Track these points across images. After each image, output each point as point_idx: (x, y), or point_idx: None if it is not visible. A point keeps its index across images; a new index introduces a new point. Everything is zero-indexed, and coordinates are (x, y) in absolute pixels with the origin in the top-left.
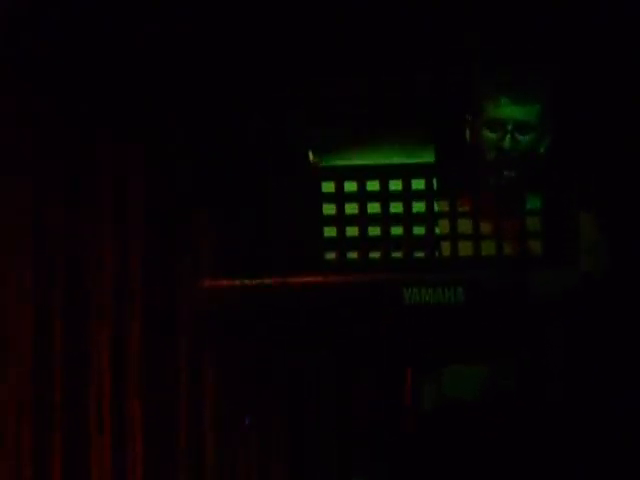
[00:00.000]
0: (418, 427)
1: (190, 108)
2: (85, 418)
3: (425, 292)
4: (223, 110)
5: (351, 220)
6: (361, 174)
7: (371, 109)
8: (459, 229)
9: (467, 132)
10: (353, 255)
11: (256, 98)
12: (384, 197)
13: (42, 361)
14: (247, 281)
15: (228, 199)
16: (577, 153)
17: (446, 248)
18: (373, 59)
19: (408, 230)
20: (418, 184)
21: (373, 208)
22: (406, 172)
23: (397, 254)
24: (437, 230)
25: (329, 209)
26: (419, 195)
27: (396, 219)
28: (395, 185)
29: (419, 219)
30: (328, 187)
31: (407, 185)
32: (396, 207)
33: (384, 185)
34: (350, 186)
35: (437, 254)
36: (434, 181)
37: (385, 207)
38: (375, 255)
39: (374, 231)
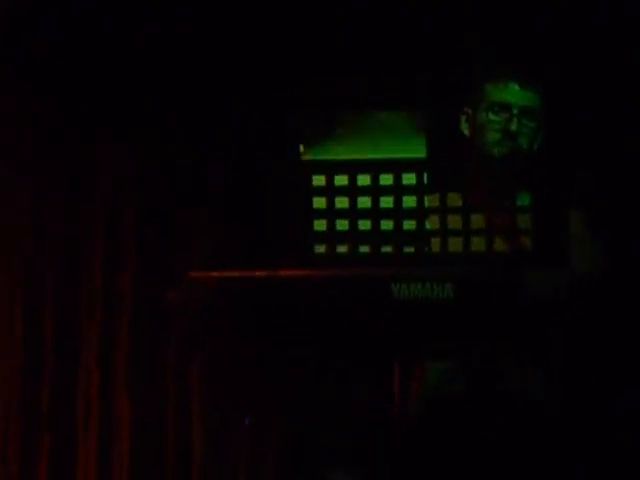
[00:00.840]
0: (406, 424)
1: (185, 102)
2: (72, 417)
3: (414, 287)
4: (217, 105)
5: (341, 214)
6: (352, 168)
7: (362, 102)
8: (449, 225)
9: (463, 123)
10: (343, 249)
11: (248, 92)
12: (375, 191)
13: (31, 359)
14: (235, 273)
15: (219, 193)
16: (569, 150)
17: (436, 243)
18: (366, 52)
19: (398, 225)
20: (409, 179)
21: (364, 202)
22: (397, 166)
23: (387, 249)
24: (427, 225)
25: (319, 203)
26: (410, 190)
27: (386, 214)
28: (386, 179)
29: (409, 214)
30: (319, 181)
31: (398, 180)
32: (387, 202)
33: (375, 179)
34: (341, 180)
35: (427, 249)
36: (425, 176)
37: (375, 201)
38: (365, 249)
39: (364, 225)
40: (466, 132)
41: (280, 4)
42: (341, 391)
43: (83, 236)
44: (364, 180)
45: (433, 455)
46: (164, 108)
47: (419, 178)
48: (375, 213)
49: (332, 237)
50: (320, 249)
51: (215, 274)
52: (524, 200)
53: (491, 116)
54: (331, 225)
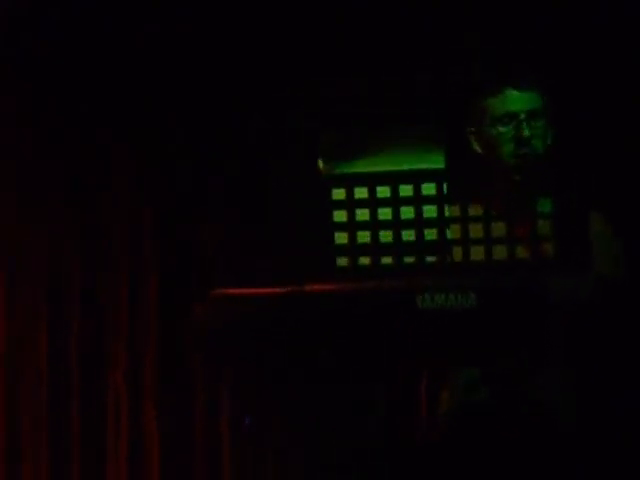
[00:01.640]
0: (434, 434)
1: (201, 119)
2: (102, 433)
3: (438, 297)
4: (234, 120)
5: (362, 226)
6: (371, 180)
7: (379, 115)
8: (471, 234)
9: (473, 141)
10: (365, 261)
11: (267, 107)
12: (395, 203)
13: (57, 376)
14: (258, 290)
15: (240, 209)
16: (586, 154)
17: (458, 253)
18: (379, 64)
19: (420, 235)
20: (429, 189)
21: (384, 214)
22: (416, 177)
23: (409, 259)
24: (449, 235)
25: (340, 216)
26: (430, 200)
27: (407, 224)
28: (405, 191)
29: (430, 224)
30: (339, 194)
31: (417, 190)
32: (407, 212)
33: (394, 191)
34: (360, 193)
35: (449, 259)
36: (444, 186)
37: (396, 213)
38: (387, 261)
39: (386, 237)
40: (478, 150)
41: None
42: (367, 404)
43: (107, 252)
44: (384, 192)
45: (461, 464)
46: (181, 118)
47: (439, 188)
48: (396, 224)
49: (353, 250)
50: (342, 262)
51: (238, 291)
52: (544, 207)
53: (500, 129)
54: (352, 238)
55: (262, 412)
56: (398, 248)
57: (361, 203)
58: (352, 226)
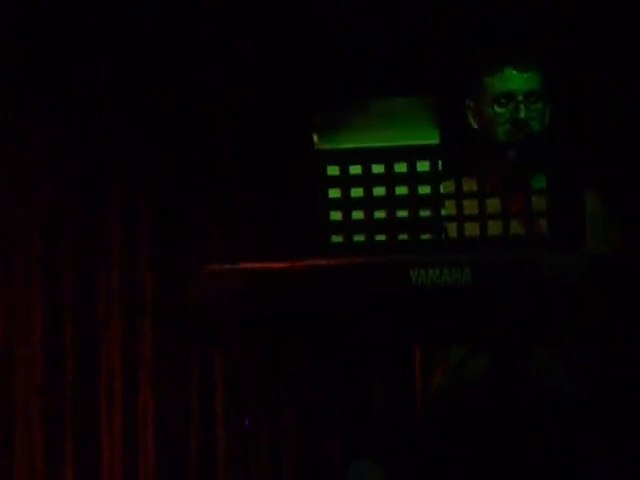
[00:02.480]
0: (428, 411)
1: (196, 93)
2: (96, 414)
3: (432, 273)
4: (229, 95)
5: (357, 203)
6: (366, 157)
7: (375, 92)
8: (465, 210)
9: (469, 116)
10: (359, 238)
11: (260, 82)
12: (389, 180)
13: (52, 359)
14: (253, 265)
15: (234, 186)
16: (582, 130)
17: (452, 229)
18: (378, 41)
19: (414, 212)
20: (423, 166)
21: (379, 191)
22: (411, 154)
23: (404, 236)
24: (443, 211)
25: (334, 193)
26: (424, 177)
27: (402, 201)
28: (400, 167)
29: (425, 201)
30: (333, 170)
31: (412, 167)
32: (401, 189)
33: (389, 168)
34: (355, 169)
35: (443, 235)
36: (439, 162)
37: (390, 190)
38: (381, 238)
39: (380, 214)
40: (474, 125)
41: None
42: (361, 381)
43: (99, 233)
44: (378, 169)
45: (456, 442)
46: (176, 101)
47: (433, 165)
48: (390, 201)
49: (348, 227)
50: (337, 239)
51: (232, 267)
52: (539, 183)
53: (497, 109)
54: (347, 214)
55: (258, 390)
56: (392, 225)
57: (355, 180)
58: (347, 203)
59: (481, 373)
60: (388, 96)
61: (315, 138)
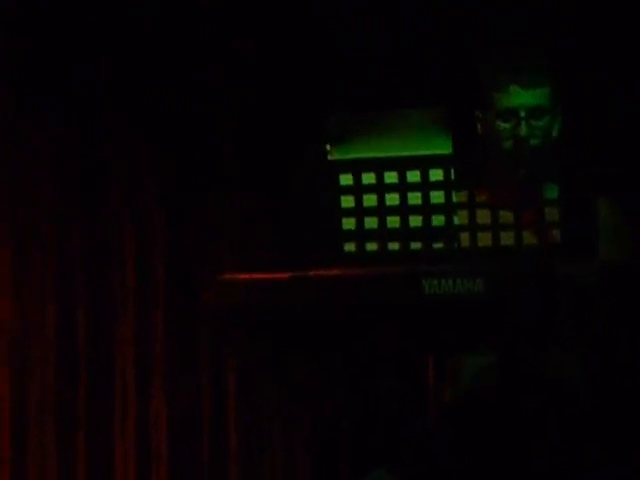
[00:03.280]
0: (440, 420)
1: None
2: (110, 415)
3: (445, 283)
4: (242, 104)
5: (370, 212)
6: (379, 166)
7: (388, 100)
8: (478, 220)
9: (479, 127)
10: (372, 247)
11: (274, 92)
12: (402, 188)
13: (65, 358)
14: (267, 275)
15: (248, 194)
16: (592, 138)
17: (465, 239)
18: (388, 51)
19: (427, 221)
20: (436, 175)
21: (391, 200)
22: (424, 163)
23: (416, 245)
24: (456, 221)
25: (347, 201)
26: (437, 186)
27: (415, 210)
28: (413, 176)
29: (437, 210)
30: (346, 179)
31: (425, 176)
32: (414, 198)
33: (402, 176)
34: (368, 178)
35: (456, 245)
36: (452, 172)
37: (403, 198)
38: (394, 246)
39: (393, 222)
40: (483, 135)
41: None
42: (375, 389)
43: (114, 235)
44: (391, 177)
45: (469, 449)
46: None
47: (446, 174)
48: (403, 210)
49: (361, 235)
50: (349, 247)
51: (247, 276)
52: (551, 193)
53: (501, 124)
54: (359, 223)
55: (267, 394)
56: (405, 234)
57: (368, 188)
58: (359, 211)
59: (494, 383)
60: (397, 105)
61: (328, 147)
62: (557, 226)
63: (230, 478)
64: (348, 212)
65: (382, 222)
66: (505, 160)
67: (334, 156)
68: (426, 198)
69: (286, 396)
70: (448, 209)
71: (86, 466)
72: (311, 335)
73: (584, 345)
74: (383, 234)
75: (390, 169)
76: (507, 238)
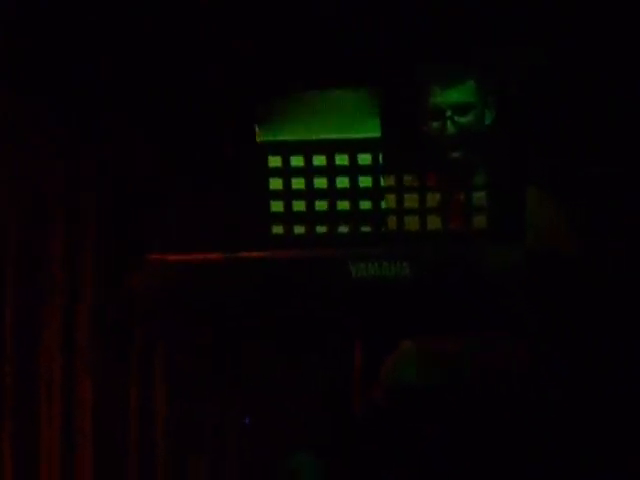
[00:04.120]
0: (367, 405)
1: (145, 86)
2: (35, 400)
3: (372, 266)
4: (173, 86)
5: (298, 195)
6: (308, 149)
7: (318, 84)
8: (405, 204)
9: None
10: (300, 230)
11: (204, 75)
12: (331, 172)
13: None
14: (194, 256)
15: (176, 176)
16: (526, 128)
17: (392, 222)
18: (321, 36)
19: (355, 205)
20: (364, 159)
21: (320, 183)
22: (353, 147)
23: (344, 229)
24: (383, 205)
25: (276, 184)
26: (365, 170)
27: (343, 194)
28: (342, 160)
29: (365, 194)
30: (275, 162)
31: (353, 160)
32: (343, 182)
33: (330, 160)
34: (297, 161)
35: (383, 229)
36: (380, 156)
37: (332, 182)
38: (322, 230)
39: (321, 206)
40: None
41: None
42: (301, 372)
43: (42, 220)
44: (320, 160)
45: (396, 434)
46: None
47: (374, 158)
48: (331, 193)
49: (289, 218)
50: (277, 230)
51: (173, 257)
52: (480, 179)
53: (430, 122)
54: (288, 206)
55: (198, 379)
56: (333, 217)
57: (297, 171)
58: (288, 194)
59: (422, 370)
60: (326, 88)
61: (257, 130)
62: (484, 212)
63: (157, 465)
64: (276, 195)
65: (310, 205)
66: (437, 143)
67: (263, 138)
68: (354, 182)
69: (215, 380)
70: (376, 193)
71: (12, 451)
72: (238, 317)
73: (508, 329)
74: (311, 217)
75: (319, 152)
76: (434, 222)
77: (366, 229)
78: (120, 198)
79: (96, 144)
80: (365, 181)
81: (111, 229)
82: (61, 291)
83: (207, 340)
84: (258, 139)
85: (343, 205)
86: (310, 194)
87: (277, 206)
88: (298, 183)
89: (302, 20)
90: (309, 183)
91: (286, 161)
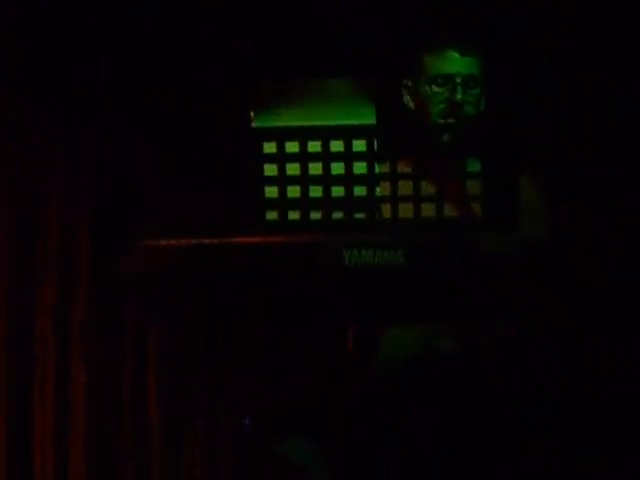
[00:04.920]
0: (359, 392)
1: (141, 71)
2: (29, 383)
3: (366, 253)
4: (168, 73)
5: (292, 181)
6: (302, 135)
7: (313, 70)
8: (400, 191)
9: (405, 94)
10: (294, 216)
11: (201, 59)
12: (325, 158)
13: None
14: (188, 241)
15: (172, 161)
16: (519, 115)
17: (387, 210)
18: (316, 20)
19: (349, 191)
20: (359, 145)
21: (314, 169)
22: (347, 133)
23: (338, 215)
24: (378, 192)
25: (270, 170)
26: (360, 156)
27: (337, 180)
28: (336, 146)
29: (360, 180)
30: (270, 147)
31: (348, 146)
32: (337, 168)
33: (325, 146)
34: (292, 147)
35: (378, 216)
36: (375, 142)
37: (326, 168)
38: (316, 216)
39: (315, 192)
40: (410, 105)
41: None
42: (296, 359)
43: (37, 202)
44: (315, 147)
45: (388, 421)
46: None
47: (369, 144)
48: (326, 180)
49: (283, 204)
50: (271, 216)
51: (167, 242)
52: (474, 166)
53: (434, 88)
54: (282, 192)
55: (189, 361)
56: (327, 203)
57: (292, 157)
58: (282, 180)
59: (415, 356)
60: (322, 74)
61: (252, 115)
62: (479, 200)
63: (152, 448)
64: (271, 180)
65: (305, 191)
66: (432, 126)
67: (258, 124)
68: (349, 168)
69: (208, 364)
70: (370, 180)
71: (6, 434)
72: (232, 303)
73: (501, 319)
74: (305, 203)
75: (314, 138)
76: (429, 210)
77: (360, 216)
78: (115, 182)
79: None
80: (360, 167)
81: (108, 215)
82: (55, 274)
83: (200, 323)
84: (253, 125)
85: (337, 191)
86: (304, 180)
87: (271, 192)
88: (293, 169)
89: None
90: (304, 169)
91: (281, 147)
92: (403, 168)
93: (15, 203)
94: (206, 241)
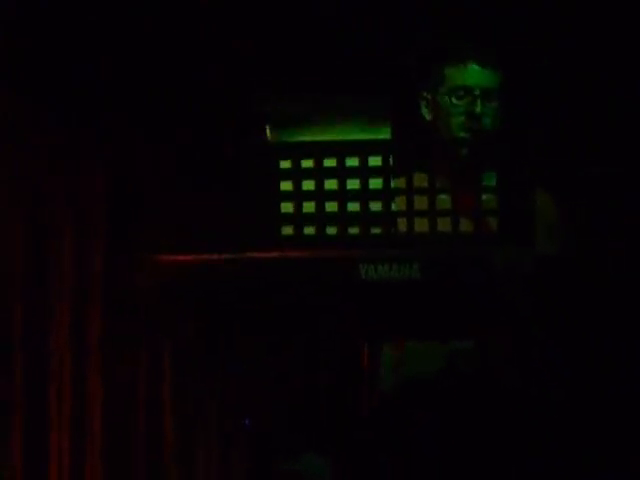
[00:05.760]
0: (375, 407)
1: (154, 85)
2: (44, 398)
3: (382, 268)
4: (182, 85)
5: (308, 196)
6: (318, 151)
7: (329, 85)
8: (415, 206)
9: (424, 109)
10: (310, 231)
11: (216, 75)
12: (341, 174)
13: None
14: (202, 257)
15: (185, 176)
16: (536, 130)
17: (402, 224)
18: (331, 36)
19: (365, 206)
20: (375, 161)
21: (330, 185)
22: (363, 149)
23: (354, 230)
24: (393, 206)
25: (286, 186)
26: (376, 172)
27: (353, 195)
28: (352, 162)
29: (376, 195)
30: (285, 164)
31: (364, 162)
32: (353, 184)
33: (341, 162)
34: (307, 163)
35: (393, 230)
36: (390, 158)
37: (342, 184)
38: (332, 231)
39: (331, 207)
40: (427, 117)
41: None
42: (310, 374)
43: (51, 218)
44: (330, 162)
45: (404, 436)
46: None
47: (385, 160)
48: (341, 195)
49: (299, 219)
50: (287, 231)
51: (181, 257)
52: (490, 180)
53: (454, 100)
54: (298, 207)
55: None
56: (343, 218)
57: (308, 173)
58: (298, 196)
59: (433, 372)
60: (339, 90)
61: (268, 131)
62: (494, 214)
63: (165, 461)
64: (287, 196)
65: (320, 207)
66: (449, 140)
67: (274, 140)
68: (364, 184)
69: (221, 379)
70: (386, 195)
71: (22, 450)
72: (247, 318)
73: (516, 333)
74: (321, 219)
75: (329, 155)
76: (444, 224)
77: (376, 231)
78: (129, 198)
79: (96, 144)
80: (375, 183)
81: (121, 229)
82: (70, 288)
83: (214, 339)
84: (269, 141)
85: (353, 207)
86: (320, 196)
87: (287, 207)
88: (308, 185)
89: (302, 20)
90: (319, 185)
91: (297, 163)
92: (419, 182)
93: (27, 219)
94: (222, 256)
